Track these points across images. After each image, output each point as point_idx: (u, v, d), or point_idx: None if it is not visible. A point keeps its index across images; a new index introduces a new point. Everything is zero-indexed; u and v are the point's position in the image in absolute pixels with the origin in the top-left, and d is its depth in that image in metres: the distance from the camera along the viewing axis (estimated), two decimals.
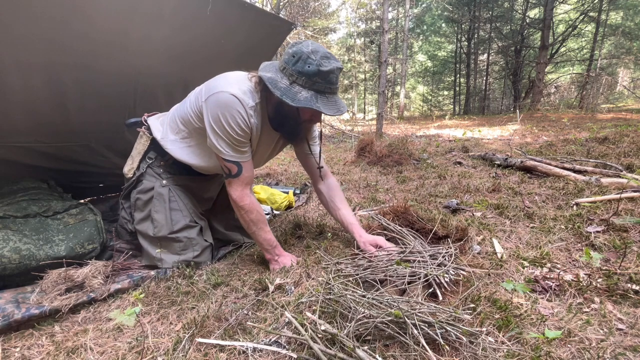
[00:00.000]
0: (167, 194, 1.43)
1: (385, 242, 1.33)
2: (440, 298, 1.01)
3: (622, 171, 2.29)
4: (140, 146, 1.48)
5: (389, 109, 18.14)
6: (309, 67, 1.11)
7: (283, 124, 1.31)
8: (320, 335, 0.83)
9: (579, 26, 12.69)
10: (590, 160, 2.68)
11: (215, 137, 1.22)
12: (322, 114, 1.22)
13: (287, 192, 2.31)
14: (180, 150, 1.40)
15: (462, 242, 1.35)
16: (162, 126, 1.46)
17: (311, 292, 1.06)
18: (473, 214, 1.75)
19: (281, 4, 11.16)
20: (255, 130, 1.27)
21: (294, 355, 0.81)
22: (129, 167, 1.48)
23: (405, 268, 1.10)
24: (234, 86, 1.20)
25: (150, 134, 1.46)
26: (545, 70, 12.21)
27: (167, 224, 1.39)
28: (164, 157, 1.46)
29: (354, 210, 1.98)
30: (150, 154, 1.47)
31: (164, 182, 1.44)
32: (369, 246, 1.32)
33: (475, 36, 16.84)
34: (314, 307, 0.97)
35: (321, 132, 1.58)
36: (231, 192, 1.30)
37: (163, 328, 0.99)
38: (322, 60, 1.12)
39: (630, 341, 0.83)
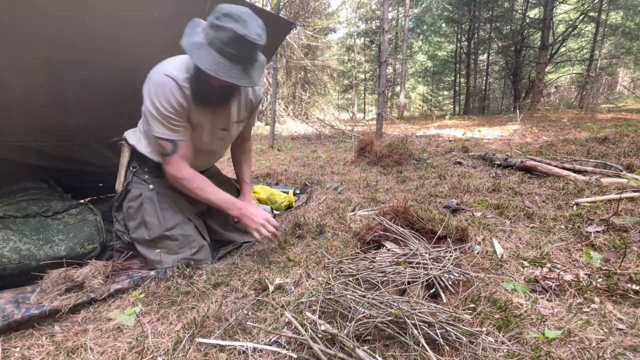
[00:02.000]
0: (156, 196, 1.44)
1: (260, 212, 1.41)
2: (445, 300, 1.01)
3: (622, 171, 2.29)
4: (123, 159, 1.52)
5: (389, 109, 18.14)
6: (224, 33, 1.11)
7: (198, 93, 1.29)
8: (320, 335, 0.83)
9: (579, 26, 12.69)
10: (590, 160, 2.68)
11: (149, 117, 1.27)
12: (239, 86, 1.27)
13: (287, 192, 2.31)
14: (151, 149, 1.44)
15: (462, 243, 1.35)
16: (135, 134, 1.51)
17: (311, 292, 1.06)
18: (473, 214, 1.75)
19: (281, 3, 11.15)
20: (187, 108, 1.29)
21: (294, 355, 0.81)
22: (118, 182, 1.52)
23: (406, 268, 1.10)
24: (169, 65, 1.27)
25: (129, 145, 1.50)
26: (545, 70, 12.21)
27: (160, 224, 1.40)
28: (146, 163, 1.49)
29: (353, 210, 1.98)
30: (133, 164, 1.50)
31: (151, 186, 1.46)
32: (244, 205, 1.38)
33: (475, 36, 16.84)
34: (314, 307, 0.98)
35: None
36: (168, 169, 1.33)
37: (163, 328, 0.99)
38: (237, 31, 1.10)
39: (630, 341, 0.83)
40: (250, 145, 1.77)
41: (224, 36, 1.12)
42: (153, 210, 1.42)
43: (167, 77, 1.24)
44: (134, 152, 1.49)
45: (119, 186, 1.50)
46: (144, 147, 1.46)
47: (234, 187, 1.77)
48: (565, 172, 2.31)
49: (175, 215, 1.43)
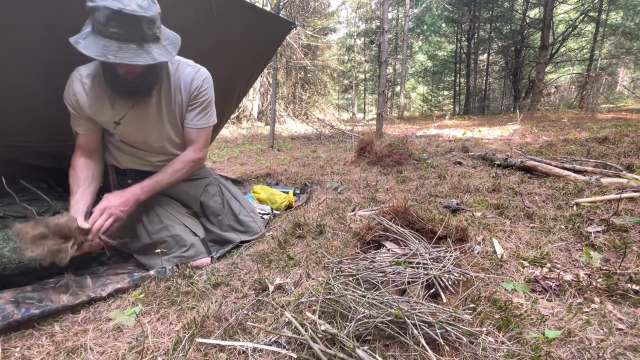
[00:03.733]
0: (142, 205, 1.44)
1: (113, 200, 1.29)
2: (445, 300, 1.01)
3: (622, 171, 2.29)
4: (110, 178, 1.56)
5: (389, 109, 18.14)
6: (91, 2, 1.05)
7: (107, 80, 1.24)
8: (320, 335, 0.83)
9: (579, 26, 12.69)
10: (590, 160, 2.68)
11: None
12: (129, 64, 1.11)
13: (287, 192, 2.31)
14: (115, 159, 1.50)
15: (462, 243, 1.35)
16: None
17: (311, 292, 1.06)
18: (473, 214, 1.75)
19: (281, 3, 11.16)
20: (96, 98, 1.28)
21: (294, 355, 0.82)
22: None
23: (406, 268, 1.10)
24: (87, 63, 1.29)
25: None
26: (545, 70, 12.20)
27: (147, 229, 1.43)
28: (125, 174, 1.53)
29: (353, 210, 1.98)
30: (118, 179, 1.56)
31: None
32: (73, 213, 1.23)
33: (475, 36, 16.84)
34: (314, 307, 0.98)
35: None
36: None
37: (163, 328, 0.99)
38: (112, 1, 1.04)
39: (630, 341, 0.83)
40: (192, 157, 1.49)
41: (101, 16, 1.04)
42: (139, 216, 1.45)
43: (74, 73, 1.29)
44: (116, 169, 1.55)
45: None
46: (112, 159, 1.51)
47: (218, 188, 1.74)
48: (565, 172, 2.31)
49: (160, 217, 1.45)
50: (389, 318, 0.84)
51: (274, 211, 2.11)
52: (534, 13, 15.36)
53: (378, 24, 17.38)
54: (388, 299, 0.93)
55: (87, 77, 1.26)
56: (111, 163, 1.53)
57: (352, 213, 1.92)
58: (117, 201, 1.28)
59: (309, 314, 0.92)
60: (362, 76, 20.32)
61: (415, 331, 0.80)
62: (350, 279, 1.10)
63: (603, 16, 12.17)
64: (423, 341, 0.78)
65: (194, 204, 1.65)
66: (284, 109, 12.32)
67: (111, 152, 1.50)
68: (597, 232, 1.41)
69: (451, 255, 1.21)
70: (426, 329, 0.82)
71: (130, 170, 1.52)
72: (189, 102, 1.44)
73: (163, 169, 1.45)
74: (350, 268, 1.17)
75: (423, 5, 18.11)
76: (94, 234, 1.20)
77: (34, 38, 1.30)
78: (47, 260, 1.06)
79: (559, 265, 1.21)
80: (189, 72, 1.41)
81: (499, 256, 1.28)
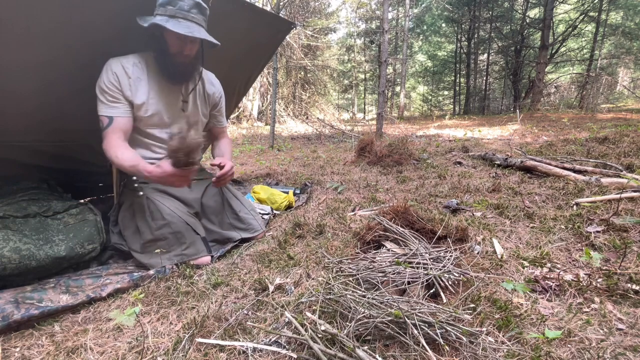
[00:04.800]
0: (145, 201, 1.47)
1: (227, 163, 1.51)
2: (445, 300, 1.01)
3: (622, 171, 2.29)
4: (114, 177, 1.61)
5: (389, 109, 18.14)
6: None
7: (161, 63, 1.44)
8: (320, 335, 0.83)
9: (579, 26, 12.69)
10: (590, 160, 2.68)
11: (97, 99, 1.39)
12: (195, 48, 1.43)
13: (287, 192, 2.31)
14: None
15: (462, 243, 1.35)
16: None
17: (311, 292, 1.06)
18: (473, 214, 1.75)
19: (281, 3, 11.17)
20: (136, 84, 1.41)
21: (294, 355, 0.82)
22: (115, 197, 1.60)
23: (406, 268, 1.10)
24: (121, 56, 1.42)
25: None
26: (545, 70, 12.20)
27: (149, 227, 1.43)
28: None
29: (353, 210, 1.98)
30: (122, 177, 1.58)
31: (140, 193, 1.49)
32: (152, 168, 1.31)
33: (475, 36, 16.83)
34: (314, 307, 0.98)
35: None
36: (103, 144, 1.38)
37: (163, 328, 0.99)
38: None
39: (630, 341, 0.83)
40: (227, 136, 1.86)
41: (185, 5, 1.32)
42: (143, 214, 1.45)
43: (113, 60, 1.40)
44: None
45: (115, 201, 1.59)
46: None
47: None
48: (565, 172, 2.31)
49: (163, 214, 1.45)
50: (389, 318, 0.84)
51: (274, 211, 2.11)
52: (534, 13, 15.35)
53: (378, 24, 17.37)
54: (388, 299, 0.93)
55: (125, 62, 1.40)
56: None
57: (352, 213, 1.92)
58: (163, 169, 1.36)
59: (309, 314, 0.92)
60: (362, 76, 20.31)
61: (415, 331, 0.80)
62: (350, 279, 1.10)
63: (603, 16, 12.17)
64: (423, 341, 0.78)
65: (195, 204, 1.65)
66: (284, 109, 12.31)
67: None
68: (597, 232, 1.41)
69: (451, 255, 1.21)
70: (426, 329, 0.82)
71: None
72: (215, 101, 1.71)
73: (220, 145, 1.77)
74: (350, 268, 1.17)
75: (423, 5, 18.11)
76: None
77: (33, 38, 1.30)
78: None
79: (559, 265, 1.21)
80: (210, 73, 1.73)
81: (499, 256, 1.28)
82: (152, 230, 1.42)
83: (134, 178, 1.52)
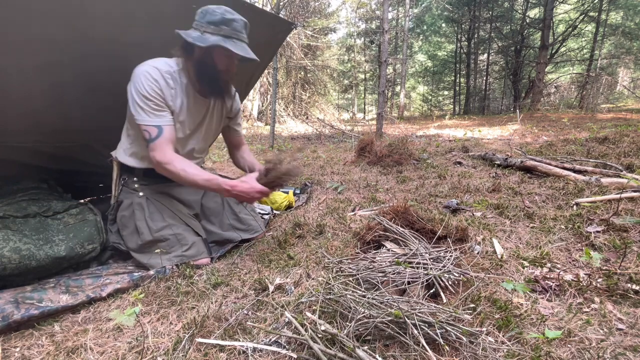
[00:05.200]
0: (145, 202, 1.47)
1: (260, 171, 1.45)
2: (445, 300, 1.01)
3: (622, 171, 2.29)
4: (114, 174, 1.57)
5: (389, 109, 18.13)
6: (215, 17, 1.29)
7: (202, 78, 1.40)
8: (320, 335, 0.83)
9: (579, 26, 12.69)
10: (590, 160, 2.68)
11: (135, 107, 1.31)
12: (235, 66, 1.42)
13: (287, 192, 2.31)
14: (133, 151, 1.48)
15: (462, 243, 1.35)
16: (122, 148, 1.54)
17: (311, 292, 1.06)
18: (473, 214, 1.75)
19: (281, 3, 11.16)
20: (175, 94, 1.38)
21: (294, 355, 0.81)
22: (113, 196, 1.56)
23: (406, 268, 1.10)
24: (153, 61, 1.37)
25: (118, 161, 1.55)
26: (545, 70, 12.20)
27: (149, 228, 1.42)
28: (133, 172, 1.52)
29: (353, 210, 1.98)
30: (123, 176, 1.55)
31: (141, 193, 1.49)
32: (232, 183, 1.35)
33: (475, 36, 16.83)
34: (314, 307, 0.97)
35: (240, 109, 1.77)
36: (154, 155, 1.33)
37: (163, 328, 0.99)
38: (226, 12, 1.30)
39: (630, 341, 0.83)
40: (246, 145, 1.84)
41: (238, 26, 1.31)
42: (142, 215, 1.45)
43: (150, 67, 1.34)
44: (122, 166, 1.54)
45: (113, 199, 1.56)
46: (126, 156, 1.50)
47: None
48: (565, 172, 2.31)
49: (162, 217, 1.45)
50: (389, 318, 0.84)
51: (274, 211, 2.11)
52: (534, 13, 15.35)
53: (378, 24, 17.37)
54: (388, 299, 0.93)
55: (162, 69, 1.36)
56: (121, 160, 1.52)
57: (352, 213, 1.92)
58: (245, 185, 1.40)
59: (309, 314, 0.92)
60: (362, 76, 20.30)
61: (415, 331, 0.80)
62: (350, 279, 1.10)
63: (603, 16, 12.17)
64: (423, 341, 0.78)
65: (195, 206, 1.65)
66: (284, 109, 12.31)
67: (133, 150, 1.49)
68: (597, 232, 1.41)
69: (451, 255, 1.21)
70: (426, 329, 0.82)
71: (141, 169, 1.51)
72: (234, 114, 1.70)
73: (249, 158, 1.73)
74: (350, 268, 1.17)
75: (423, 5, 18.11)
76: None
77: (34, 39, 1.30)
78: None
79: (559, 265, 1.21)
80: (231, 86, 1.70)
81: (499, 256, 1.28)
82: (152, 231, 1.42)
83: (135, 178, 1.51)
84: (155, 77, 1.32)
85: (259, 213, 1.95)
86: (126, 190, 1.53)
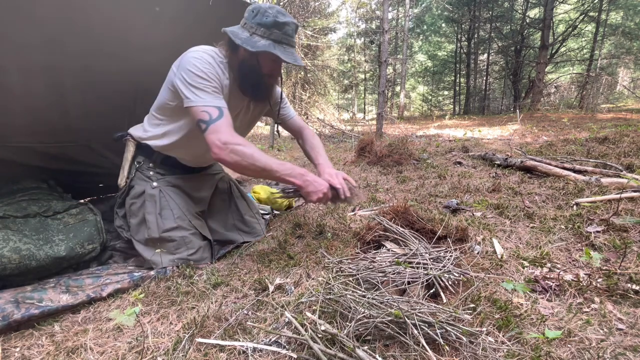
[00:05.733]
0: (158, 194, 1.44)
1: (347, 178, 1.40)
2: (445, 300, 1.01)
3: (622, 171, 2.29)
4: (128, 154, 1.50)
5: (389, 109, 18.13)
6: (266, 18, 1.22)
7: (246, 80, 1.34)
8: (320, 335, 0.83)
9: (579, 26, 12.69)
10: (590, 160, 2.68)
11: (189, 90, 1.21)
12: (282, 70, 1.36)
13: None
14: (161, 139, 1.43)
15: (462, 243, 1.35)
16: (142, 128, 1.49)
17: (311, 292, 1.06)
18: (473, 214, 1.75)
19: (281, 3, 11.16)
20: (224, 87, 1.32)
21: (294, 355, 0.81)
22: (121, 177, 1.50)
23: (406, 268, 1.10)
24: (203, 47, 1.30)
25: (134, 139, 1.49)
26: (545, 70, 12.20)
27: (158, 224, 1.40)
28: (151, 157, 1.48)
29: (353, 210, 1.98)
30: (138, 159, 1.49)
31: (155, 184, 1.45)
32: (331, 177, 1.34)
33: (475, 36, 16.84)
34: (314, 307, 0.97)
35: (281, 93, 1.62)
36: (219, 136, 1.17)
37: (163, 328, 0.99)
38: (278, 14, 1.23)
39: (630, 341, 0.83)
40: (309, 130, 1.68)
41: (290, 30, 1.25)
42: (153, 209, 1.42)
43: (204, 52, 1.26)
44: (139, 147, 1.48)
45: (121, 181, 1.48)
46: (152, 140, 1.43)
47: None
48: (565, 172, 2.31)
49: (173, 216, 1.43)
50: (389, 318, 0.84)
51: (274, 211, 2.11)
52: (534, 13, 15.35)
53: (378, 24, 17.37)
54: (388, 299, 0.93)
55: (218, 61, 1.30)
56: (145, 140, 1.45)
57: (352, 213, 1.92)
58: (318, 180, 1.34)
59: (309, 314, 0.92)
60: (362, 76, 20.31)
61: (415, 331, 0.80)
62: (350, 279, 1.10)
63: (603, 16, 12.17)
64: (423, 341, 0.78)
65: (204, 203, 1.64)
66: None
67: (157, 132, 1.43)
68: (597, 232, 1.41)
69: (451, 255, 1.21)
70: (426, 329, 0.82)
71: (161, 155, 1.46)
72: (275, 104, 1.61)
73: (317, 149, 1.57)
74: (350, 268, 1.17)
75: (423, 5, 18.11)
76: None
77: (35, 40, 1.30)
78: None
79: (559, 265, 1.21)
80: None
81: (499, 256, 1.28)
82: (161, 230, 1.40)
83: (151, 164, 1.47)
84: (210, 61, 1.25)
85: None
86: (140, 177, 1.47)
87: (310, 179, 1.27)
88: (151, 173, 1.47)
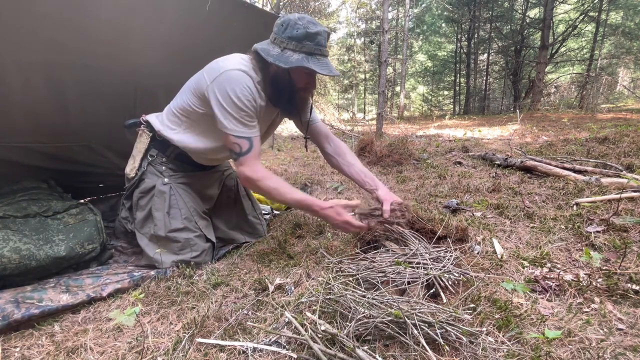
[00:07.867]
0: (168, 191, 1.43)
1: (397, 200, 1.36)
2: (445, 300, 1.01)
3: (622, 171, 2.29)
4: (140, 145, 1.47)
5: (389, 109, 18.12)
6: (297, 31, 1.17)
7: (280, 96, 1.32)
8: (320, 335, 0.83)
9: (579, 26, 12.68)
10: (590, 160, 2.68)
11: (225, 116, 1.22)
12: (316, 82, 1.31)
13: None
14: (182, 136, 1.40)
15: (462, 243, 1.35)
16: (161, 120, 1.47)
17: (311, 292, 1.06)
18: (473, 214, 1.75)
19: (281, 3, 11.14)
20: (260, 109, 1.30)
21: (294, 355, 0.81)
22: (131, 167, 1.47)
23: (406, 268, 1.10)
24: (239, 64, 1.25)
25: (150, 131, 1.46)
26: (545, 70, 12.20)
27: (165, 223, 1.40)
28: (165, 152, 1.46)
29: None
30: (151, 152, 1.47)
31: (166, 180, 1.44)
32: (325, 204, 1.30)
33: (475, 36, 16.84)
34: (314, 307, 0.97)
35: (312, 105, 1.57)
36: (244, 170, 1.26)
37: (163, 328, 0.99)
38: (309, 24, 1.18)
39: (630, 341, 0.83)
40: (340, 141, 1.61)
41: (322, 39, 1.20)
42: (162, 206, 1.41)
43: (243, 74, 1.23)
44: (154, 139, 1.46)
45: (131, 171, 1.46)
46: (172, 134, 1.41)
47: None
48: (565, 172, 2.31)
49: (182, 216, 1.43)
50: (389, 318, 0.84)
51: (274, 211, 2.11)
52: (534, 13, 15.35)
53: (378, 24, 17.37)
54: (388, 299, 0.93)
55: (256, 81, 1.27)
56: (163, 133, 1.42)
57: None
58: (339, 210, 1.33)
59: (309, 314, 0.92)
60: (362, 76, 20.31)
61: (415, 331, 0.80)
62: (350, 279, 1.10)
63: (603, 16, 12.17)
64: (423, 341, 0.78)
65: (211, 201, 1.64)
66: None
67: (186, 130, 1.40)
68: (597, 232, 1.41)
69: (451, 255, 1.21)
70: (426, 329, 0.82)
71: (176, 149, 1.44)
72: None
73: (354, 160, 1.54)
74: (350, 268, 1.17)
75: (423, 5, 18.12)
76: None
77: (35, 39, 1.30)
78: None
79: (559, 265, 1.21)
80: None
81: (499, 256, 1.28)
82: (167, 230, 1.39)
83: (164, 159, 1.46)
84: (249, 85, 1.23)
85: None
86: (151, 171, 1.45)
87: (326, 214, 1.29)
88: (163, 168, 1.45)
